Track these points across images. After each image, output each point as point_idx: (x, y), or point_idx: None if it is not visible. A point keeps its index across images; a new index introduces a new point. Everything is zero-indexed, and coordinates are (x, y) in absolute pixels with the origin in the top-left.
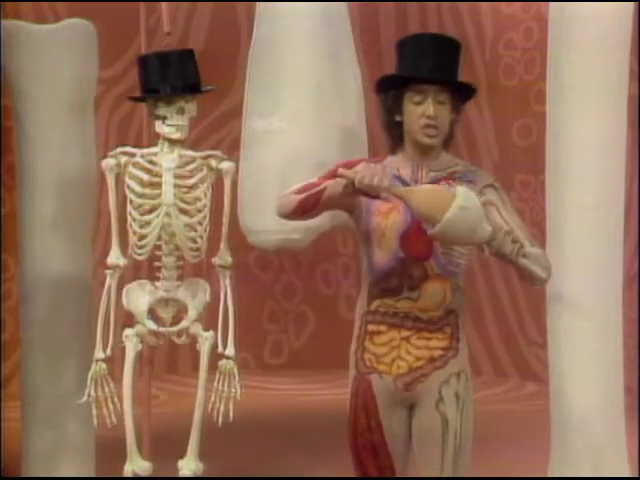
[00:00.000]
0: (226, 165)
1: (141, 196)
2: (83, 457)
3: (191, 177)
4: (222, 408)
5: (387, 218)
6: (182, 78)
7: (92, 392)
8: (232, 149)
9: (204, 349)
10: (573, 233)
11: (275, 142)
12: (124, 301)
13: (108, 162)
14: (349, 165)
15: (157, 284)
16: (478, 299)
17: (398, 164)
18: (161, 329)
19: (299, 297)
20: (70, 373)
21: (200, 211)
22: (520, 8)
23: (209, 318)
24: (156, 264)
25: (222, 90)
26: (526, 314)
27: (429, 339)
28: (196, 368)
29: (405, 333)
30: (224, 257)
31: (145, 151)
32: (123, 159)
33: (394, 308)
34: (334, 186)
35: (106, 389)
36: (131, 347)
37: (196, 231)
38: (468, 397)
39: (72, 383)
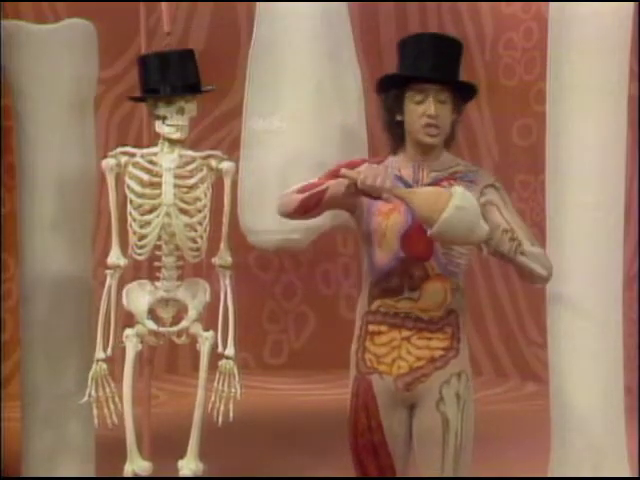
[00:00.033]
0: (226, 165)
1: (141, 196)
2: (83, 457)
3: (191, 177)
4: (222, 408)
5: (388, 218)
6: (182, 78)
7: (93, 392)
8: (232, 149)
9: (204, 349)
10: (573, 233)
11: (275, 142)
12: (124, 301)
13: (108, 162)
14: (351, 165)
15: (157, 284)
16: (478, 299)
17: (399, 164)
18: (161, 329)
19: (299, 297)
20: (70, 373)
21: (200, 211)
22: (520, 8)
23: (209, 318)
24: (156, 264)
25: (222, 90)
26: (526, 314)
27: (430, 339)
28: (196, 368)
29: (406, 333)
30: (224, 257)
31: (145, 151)
32: (123, 159)
33: (395, 308)
34: (336, 186)
35: (107, 389)
36: (131, 347)
37: (196, 231)
38: (469, 397)
39: (72, 383)
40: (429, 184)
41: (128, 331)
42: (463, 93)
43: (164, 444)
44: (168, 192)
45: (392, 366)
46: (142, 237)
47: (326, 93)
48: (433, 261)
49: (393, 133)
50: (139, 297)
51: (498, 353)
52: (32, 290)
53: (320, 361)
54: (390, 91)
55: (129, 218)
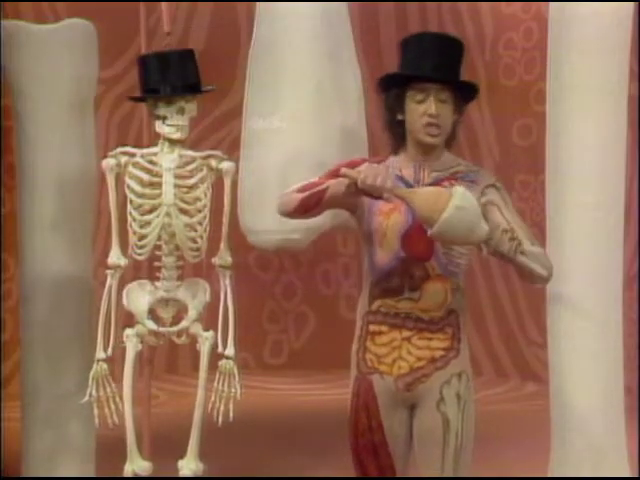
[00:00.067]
0: (226, 165)
1: (141, 196)
2: (83, 457)
3: (191, 177)
4: (222, 408)
5: (389, 218)
6: (182, 78)
7: (94, 392)
8: (232, 149)
9: (204, 349)
10: (573, 233)
11: (275, 142)
12: (124, 301)
13: (108, 162)
14: (351, 165)
15: (157, 284)
16: (478, 299)
17: (400, 164)
18: (161, 329)
19: (299, 297)
20: (70, 373)
21: (200, 211)
22: (520, 8)
23: (209, 318)
24: (156, 264)
25: (222, 90)
26: (526, 314)
27: (430, 339)
28: (196, 368)
29: (406, 333)
30: (224, 257)
31: (145, 151)
32: (123, 159)
33: (395, 308)
34: (337, 185)
35: (108, 389)
36: (131, 347)
37: (196, 231)
38: (469, 397)
39: (72, 383)
40: (430, 184)
41: (128, 331)
42: (464, 93)
43: (164, 444)
44: (168, 192)
45: (393, 366)
46: (142, 237)
47: (326, 93)
48: (434, 261)
49: (394, 133)
50: (139, 297)
51: (498, 353)
52: (32, 290)
53: (320, 361)
54: (391, 90)
55: (129, 218)
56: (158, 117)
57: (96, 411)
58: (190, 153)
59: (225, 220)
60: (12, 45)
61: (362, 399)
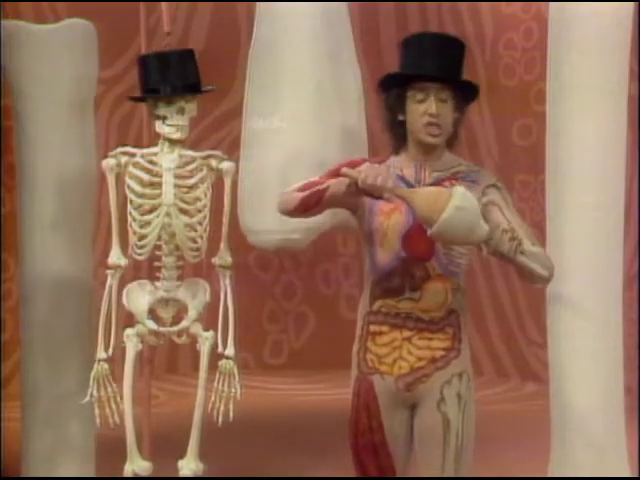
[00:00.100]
0: (226, 165)
1: (141, 196)
2: (83, 457)
3: (191, 177)
4: (222, 408)
5: (389, 218)
6: (182, 78)
7: (94, 392)
8: (232, 149)
9: (204, 349)
10: (573, 233)
11: (275, 142)
12: (124, 301)
13: (108, 162)
14: (352, 165)
15: (157, 284)
16: (479, 299)
17: (401, 164)
18: (161, 329)
19: (299, 297)
20: (70, 373)
21: (200, 211)
22: (520, 8)
23: (209, 318)
24: (156, 264)
25: (222, 90)
26: (526, 314)
27: (431, 339)
28: (196, 368)
29: (407, 333)
30: (224, 257)
31: (145, 151)
32: (123, 159)
33: (396, 309)
34: (337, 185)
35: (108, 389)
36: (131, 347)
37: (196, 231)
38: (470, 397)
39: (72, 383)
40: (431, 184)
41: (128, 331)
42: (465, 93)
43: (164, 444)
44: (168, 192)
45: (393, 366)
46: (142, 237)
47: (326, 93)
48: (434, 261)
49: (395, 133)
50: (139, 297)
51: (499, 353)
52: (32, 290)
53: (320, 361)
54: (392, 90)
55: (129, 218)
56: (158, 117)
57: (97, 411)
58: (190, 153)
59: (225, 220)
60: (12, 45)
61: (363, 399)
